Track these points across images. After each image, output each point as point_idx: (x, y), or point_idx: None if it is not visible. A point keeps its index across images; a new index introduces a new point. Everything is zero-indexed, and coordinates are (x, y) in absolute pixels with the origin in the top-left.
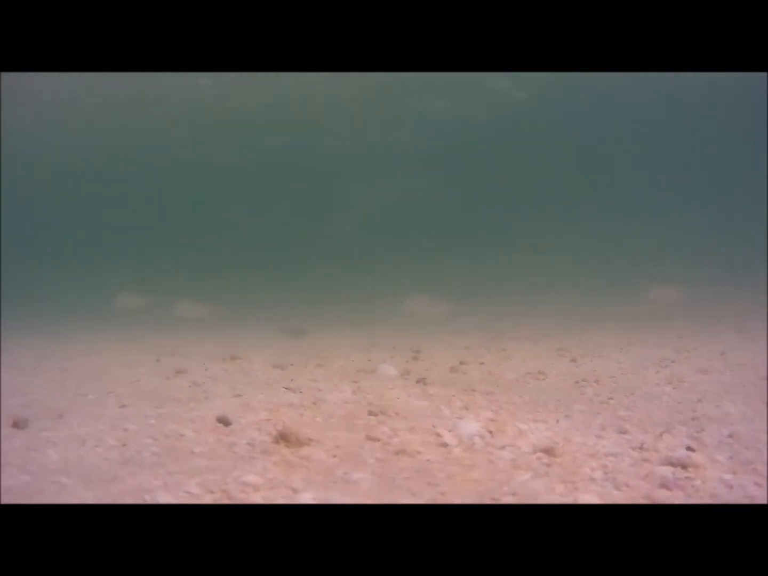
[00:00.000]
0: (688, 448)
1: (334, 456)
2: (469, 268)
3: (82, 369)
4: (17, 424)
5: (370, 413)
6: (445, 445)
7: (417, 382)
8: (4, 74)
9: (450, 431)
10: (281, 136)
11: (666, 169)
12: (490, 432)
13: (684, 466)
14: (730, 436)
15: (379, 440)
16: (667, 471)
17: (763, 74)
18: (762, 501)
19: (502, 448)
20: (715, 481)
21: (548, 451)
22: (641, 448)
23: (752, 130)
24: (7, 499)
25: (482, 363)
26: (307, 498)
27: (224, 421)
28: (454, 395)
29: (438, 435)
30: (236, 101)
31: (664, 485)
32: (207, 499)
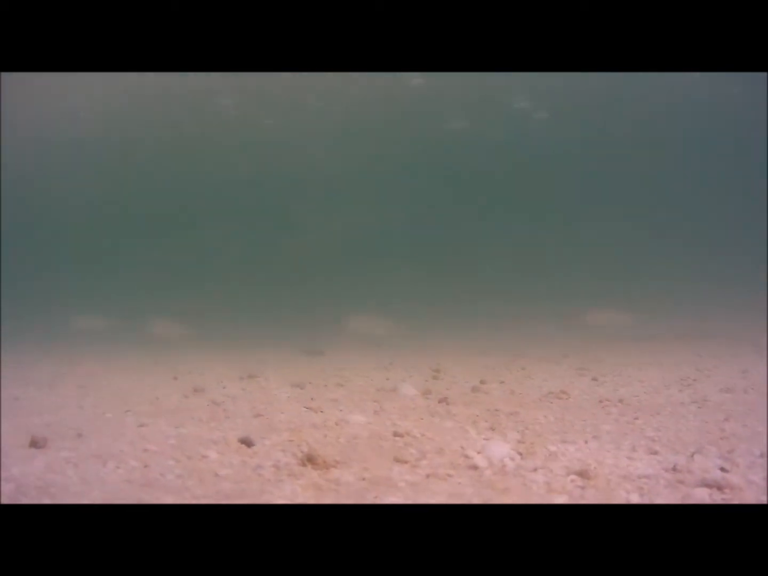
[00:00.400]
0: (722, 469)
1: (363, 479)
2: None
3: (99, 387)
4: (36, 444)
5: (395, 434)
6: (475, 467)
7: (439, 402)
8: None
9: (479, 453)
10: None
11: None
12: (520, 454)
13: (720, 488)
14: (762, 455)
15: (407, 462)
16: (704, 493)
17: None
18: None
19: (534, 470)
20: (754, 503)
21: (582, 474)
22: (674, 469)
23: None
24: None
25: (503, 382)
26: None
27: (247, 442)
28: (478, 415)
29: (467, 457)
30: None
31: None
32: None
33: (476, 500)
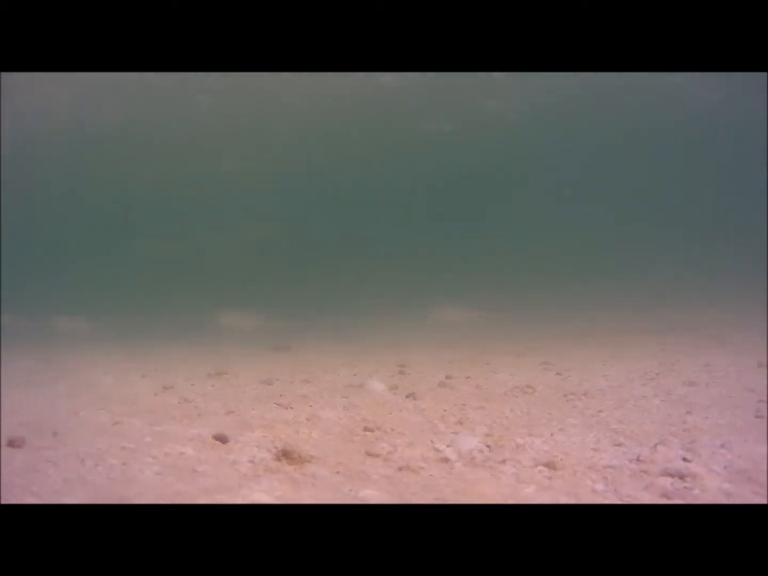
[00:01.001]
0: (684, 459)
1: (338, 473)
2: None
3: (72, 384)
4: (13, 443)
5: (366, 429)
6: (446, 460)
7: (407, 396)
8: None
9: (448, 446)
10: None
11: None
12: (489, 447)
13: (682, 477)
14: (723, 446)
15: (379, 456)
16: (666, 482)
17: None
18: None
19: (503, 462)
20: (714, 491)
21: (549, 465)
22: (638, 459)
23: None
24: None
25: (468, 377)
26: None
27: (222, 439)
28: (446, 410)
29: (437, 450)
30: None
31: (665, 495)
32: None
33: (448, 491)
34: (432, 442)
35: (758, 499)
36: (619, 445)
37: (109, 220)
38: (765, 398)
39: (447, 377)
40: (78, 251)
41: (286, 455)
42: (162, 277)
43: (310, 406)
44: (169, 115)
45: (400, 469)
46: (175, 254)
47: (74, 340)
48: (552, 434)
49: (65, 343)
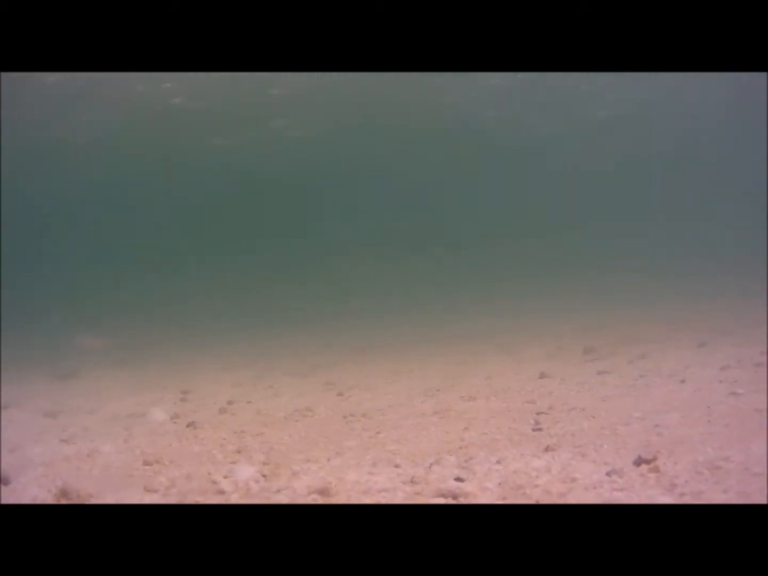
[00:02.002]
0: (458, 479)
1: None
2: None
3: None
4: None
5: (145, 463)
6: (222, 492)
7: (187, 426)
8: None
9: (225, 477)
10: None
11: None
12: (264, 476)
13: (455, 497)
14: (498, 462)
15: (157, 492)
16: (440, 503)
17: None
18: None
19: (278, 491)
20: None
21: (322, 492)
22: (412, 481)
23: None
24: None
25: (250, 402)
26: None
27: (4, 481)
28: (225, 438)
29: (214, 482)
30: None
31: None
32: None
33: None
34: (209, 473)
35: None
36: (397, 466)
37: None
38: (544, 410)
39: (228, 403)
40: None
41: (64, 495)
42: None
43: (92, 440)
44: None
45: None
46: None
47: None
48: (328, 459)
49: None
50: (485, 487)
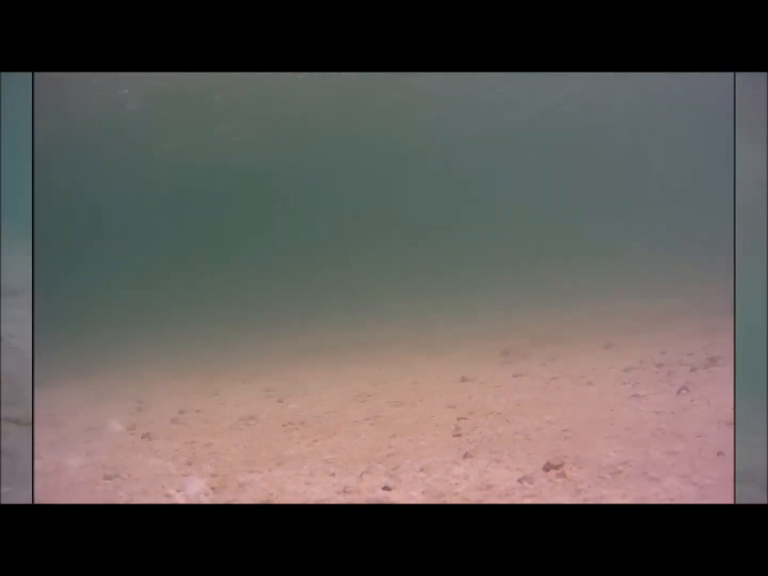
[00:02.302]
0: (385, 488)
1: None
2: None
3: None
4: None
5: (106, 477)
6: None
7: (143, 437)
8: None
9: (178, 491)
10: None
11: None
12: (213, 489)
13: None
14: (422, 470)
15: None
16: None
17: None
18: None
19: (227, 503)
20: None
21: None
22: (345, 491)
23: None
24: None
25: (199, 411)
26: None
27: None
28: (177, 450)
29: (168, 496)
30: None
31: None
32: None
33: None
34: (164, 487)
35: None
36: (332, 475)
37: None
38: (464, 415)
39: (180, 412)
40: None
41: None
42: None
43: (58, 454)
44: None
45: None
46: None
47: None
48: (270, 469)
49: None
50: (410, 495)
